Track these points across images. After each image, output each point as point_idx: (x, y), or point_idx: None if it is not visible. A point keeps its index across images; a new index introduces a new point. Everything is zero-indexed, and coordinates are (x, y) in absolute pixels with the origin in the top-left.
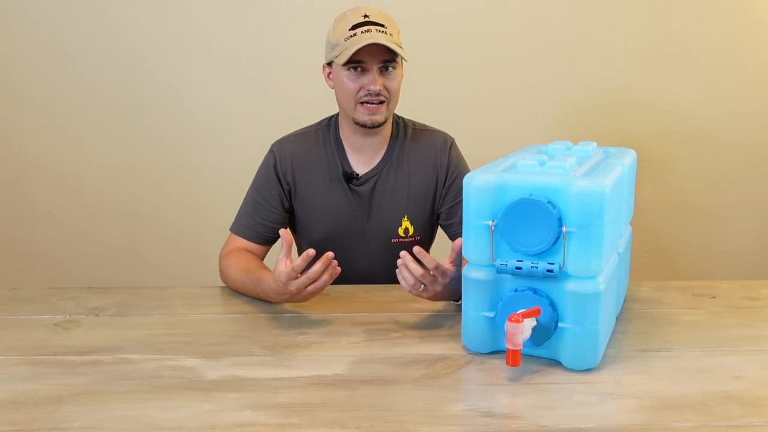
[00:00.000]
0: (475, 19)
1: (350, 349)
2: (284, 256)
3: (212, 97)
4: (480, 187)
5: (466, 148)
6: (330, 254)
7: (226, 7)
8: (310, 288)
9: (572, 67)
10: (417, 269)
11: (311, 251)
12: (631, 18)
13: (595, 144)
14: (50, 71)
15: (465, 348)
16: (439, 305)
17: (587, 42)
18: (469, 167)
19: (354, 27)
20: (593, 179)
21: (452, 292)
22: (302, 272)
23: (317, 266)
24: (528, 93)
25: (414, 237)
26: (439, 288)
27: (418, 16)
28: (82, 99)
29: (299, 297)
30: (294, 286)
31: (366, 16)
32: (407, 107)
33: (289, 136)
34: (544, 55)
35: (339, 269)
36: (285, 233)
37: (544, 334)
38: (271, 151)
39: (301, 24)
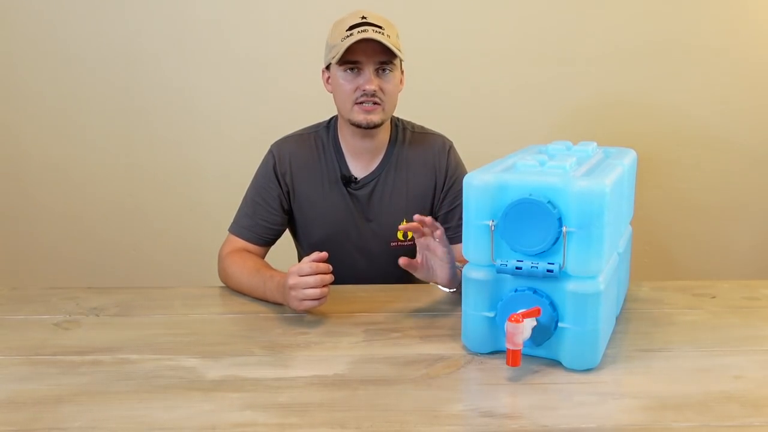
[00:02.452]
0: (474, 19)
1: (350, 349)
2: (310, 260)
3: (212, 96)
4: (480, 187)
5: (466, 148)
6: (324, 255)
7: (227, 6)
8: (309, 292)
9: (572, 67)
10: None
11: (324, 254)
12: (631, 18)
13: (595, 144)
14: (51, 70)
15: (465, 348)
16: (439, 305)
17: (587, 42)
18: (470, 167)
19: (351, 28)
20: (593, 179)
21: (448, 276)
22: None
23: (322, 265)
24: (528, 93)
25: (413, 240)
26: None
27: (418, 16)
28: (82, 99)
29: (295, 294)
30: (294, 279)
31: (364, 18)
32: (407, 108)
33: (288, 137)
34: (544, 55)
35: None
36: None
37: (544, 334)
38: (270, 152)
39: (302, 24)
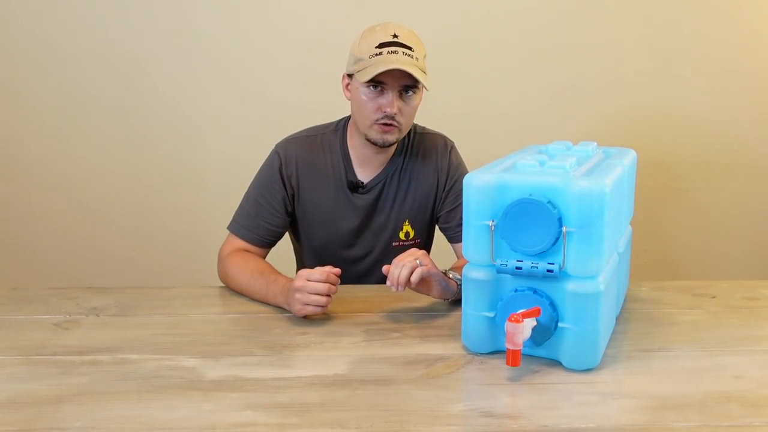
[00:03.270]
0: (475, 19)
1: (350, 349)
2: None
3: (212, 98)
4: (480, 187)
5: (466, 148)
6: (337, 271)
7: (226, 8)
8: (313, 297)
9: (573, 67)
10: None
11: (338, 271)
12: (631, 18)
13: (595, 144)
14: (50, 72)
15: (465, 348)
16: (439, 305)
17: (588, 42)
18: (470, 167)
19: (381, 45)
20: (593, 179)
21: (438, 294)
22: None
23: (334, 272)
24: (528, 93)
25: (414, 240)
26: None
27: (418, 17)
28: (81, 100)
29: (300, 297)
30: (301, 282)
31: (395, 36)
32: None
33: (294, 138)
34: (545, 56)
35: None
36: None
37: (544, 334)
38: (276, 152)
39: (302, 25)
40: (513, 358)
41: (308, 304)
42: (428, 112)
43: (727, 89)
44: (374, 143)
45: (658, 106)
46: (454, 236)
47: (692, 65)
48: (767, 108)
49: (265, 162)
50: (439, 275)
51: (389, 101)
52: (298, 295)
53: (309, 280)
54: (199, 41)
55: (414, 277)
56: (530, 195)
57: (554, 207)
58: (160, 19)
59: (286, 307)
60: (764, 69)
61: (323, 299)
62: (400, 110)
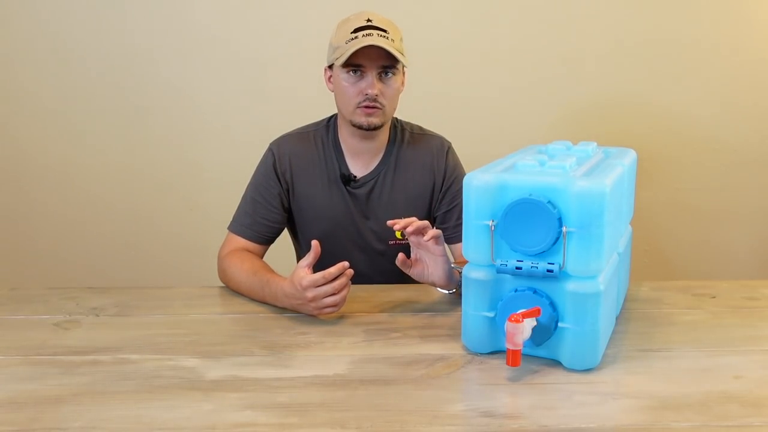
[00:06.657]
0: (475, 19)
1: (350, 349)
2: (307, 265)
3: (212, 96)
4: (480, 187)
5: (465, 148)
6: (345, 263)
7: (227, 6)
8: (329, 300)
9: (572, 67)
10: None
11: (347, 263)
12: (631, 19)
13: (595, 144)
14: (50, 70)
15: (465, 348)
16: (439, 305)
17: (587, 42)
18: (470, 167)
19: (356, 30)
20: (593, 179)
21: (444, 274)
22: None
23: (332, 270)
24: (528, 93)
25: None
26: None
27: (418, 16)
28: (81, 98)
29: (312, 306)
30: (312, 293)
31: (369, 20)
32: (407, 108)
33: (287, 135)
34: (545, 56)
35: (350, 273)
36: (315, 245)
37: (544, 334)
38: (270, 150)
39: (302, 23)
40: (513, 358)
41: (326, 307)
42: (429, 112)
43: (727, 89)
44: (359, 127)
45: (658, 106)
46: (451, 237)
47: (692, 65)
48: (767, 108)
49: (260, 161)
50: (447, 258)
51: (369, 83)
52: (312, 304)
53: (312, 295)
54: (200, 40)
55: (429, 234)
56: (530, 195)
57: (554, 207)
58: (160, 18)
59: (288, 307)
60: (764, 69)
61: (338, 298)
62: (381, 92)
